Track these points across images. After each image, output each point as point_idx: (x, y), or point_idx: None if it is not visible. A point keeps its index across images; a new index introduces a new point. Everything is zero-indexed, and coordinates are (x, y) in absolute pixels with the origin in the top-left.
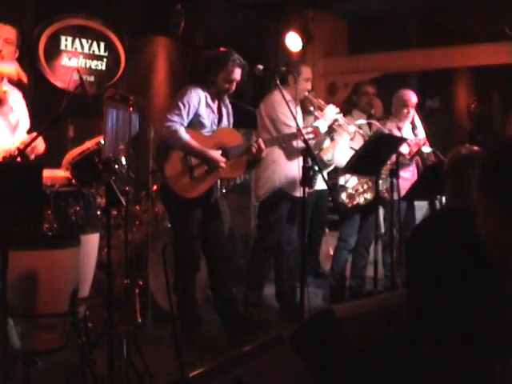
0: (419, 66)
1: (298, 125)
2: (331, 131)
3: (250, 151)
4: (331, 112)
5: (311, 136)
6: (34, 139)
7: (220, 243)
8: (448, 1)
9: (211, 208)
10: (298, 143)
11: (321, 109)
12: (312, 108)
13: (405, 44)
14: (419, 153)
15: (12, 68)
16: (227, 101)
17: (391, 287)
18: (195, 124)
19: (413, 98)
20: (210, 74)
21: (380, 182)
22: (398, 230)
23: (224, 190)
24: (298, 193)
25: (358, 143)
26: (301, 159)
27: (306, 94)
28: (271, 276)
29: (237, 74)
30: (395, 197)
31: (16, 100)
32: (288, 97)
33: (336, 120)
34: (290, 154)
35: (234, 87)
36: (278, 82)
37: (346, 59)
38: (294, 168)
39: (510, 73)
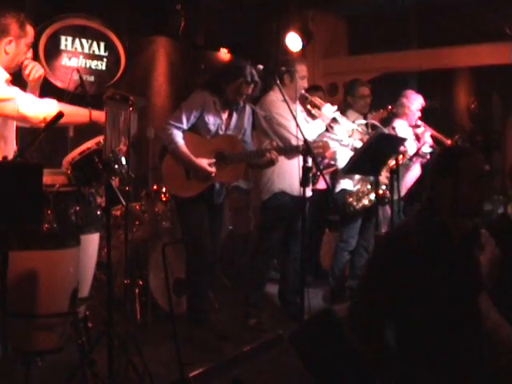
0: (419, 66)
1: (297, 125)
2: (329, 130)
3: (264, 156)
4: (329, 111)
5: (321, 150)
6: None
7: (212, 246)
8: (448, 1)
9: (215, 209)
10: (298, 143)
11: (318, 107)
12: (309, 106)
13: (405, 44)
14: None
15: (53, 110)
16: (241, 105)
17: None
18: (200, 128)
19: (416, 102)
20: (220, 82)
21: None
22: None
23: None
24: (299, 192)
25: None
26: (301, 159)
27: (303, 91)
28: (272, 276)
29: (247, 89)
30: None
31: None
32: (282, 97)
33: (334, 118)
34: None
35: (241, 100)
36: (278, 82)
37: (346, 59)
38: (294, 168)
39: (510, 73)
